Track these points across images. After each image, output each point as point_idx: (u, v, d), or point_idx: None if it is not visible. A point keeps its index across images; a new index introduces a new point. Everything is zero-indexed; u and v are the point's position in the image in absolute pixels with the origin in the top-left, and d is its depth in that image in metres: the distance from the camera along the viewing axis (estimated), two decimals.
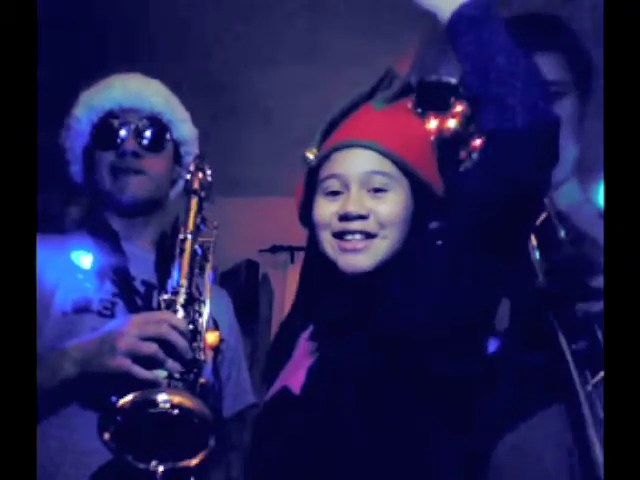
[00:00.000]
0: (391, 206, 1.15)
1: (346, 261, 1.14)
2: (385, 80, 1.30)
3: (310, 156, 1.21)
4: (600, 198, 1.39)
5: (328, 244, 1.16)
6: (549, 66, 1.40)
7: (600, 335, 1.13)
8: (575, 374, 1.11)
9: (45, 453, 1.29)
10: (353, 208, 1.13)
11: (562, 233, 1.23)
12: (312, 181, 1.22)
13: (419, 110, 1.27)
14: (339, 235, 1.14)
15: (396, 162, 1.18)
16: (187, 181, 1.42)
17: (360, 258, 1.13)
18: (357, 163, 1.17)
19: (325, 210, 1.17)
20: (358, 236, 1.13)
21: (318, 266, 1.20)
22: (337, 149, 1.19)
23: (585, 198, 1.44)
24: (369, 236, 1.13)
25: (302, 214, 1.25)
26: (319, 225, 1.17)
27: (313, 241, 1.21)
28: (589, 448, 1.05)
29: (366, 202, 1.14)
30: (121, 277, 1.47)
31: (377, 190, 1.15)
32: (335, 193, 1.17)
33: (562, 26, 1.45)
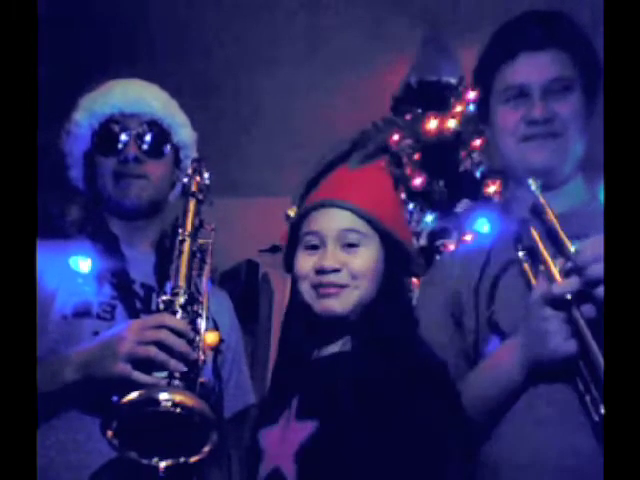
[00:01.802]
0: (362, 260, 1.28)
1: (321, 305, 1.28)
2: (360, 143, 1.41)
3: (291, 214, 1.36)
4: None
5: (307, 294, 1.30)
6: (553, 62, 1.39)
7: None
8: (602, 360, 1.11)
9: (46, 455, 1.29)
10: (328, 263, 1.27)
11: (569, 243, 1.23)
12: (294, 235, 1.35)
13: (392, 168, 1.45)
14: (315, 287, 1.28)
15: (368, 220, 1.30)
16: (185, 184, 1.43)
17: (333, 302, 1.27)
18: (333, 221, 1.30)
19: (304, 264, 1.30)
20: (332, 289, 1.27)
21: (299, 312, 1.34)
22: (315, 208, 1.32)
23: (591, 196, 1.43)
24: (341, 287, 1.27)
25: (286, 263, 1.39)
26: (299, 276, 1.31)
27: (294, 289, 1.35)
28: None
29: (340, 257, 1.27)
30: (121, 280, 1.47)
31: (350, 245, 1.28)
32: (314, 247, 1.30)
33: (567, 22, 1.44)
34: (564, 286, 1.16)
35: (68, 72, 2.82)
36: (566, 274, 1.19)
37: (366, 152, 1.38)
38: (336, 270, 1.27)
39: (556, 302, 1.17)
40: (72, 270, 1.46)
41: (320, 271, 1.27)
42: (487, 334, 1.34)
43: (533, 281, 1.27)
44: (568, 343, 1.16)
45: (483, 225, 1.56)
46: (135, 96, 1.55)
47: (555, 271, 1.20)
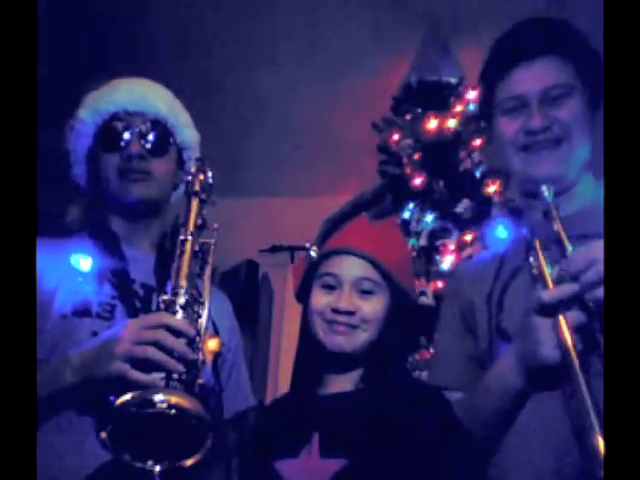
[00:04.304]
0: (374, 307, 1.41)
1: (332, 341, 1.40)
2: (379, 197, 1.59)
3: (313, 254, 1.49)
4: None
5: (319, 327, 1.42)
6: (551, 69, 1.40)
7: (600, 335, 1.14)
8: (580, 372, 1.11)
9: (44, 456, 1.28)
10: (343, 305, 1.40)
11: (569, 246, 1.24)
12: (311, 272, 1.48)
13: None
14: (329, 322, 1.41)
15: (382, 271, 1.43)
16: (188, 183, 1.42)
17: (343, 340, 1.40)
18: (352, 268, 1.43)
19: (321, 300, 1.43)
20: (342, 328, 1.40)
21: (310, 344, 1.45)
22: (337, 252, 1.45)
23: (601, 195, 1.43)
24: (353, 327, 1.41)
25: (299, 294, 1.52)
26: (314, 311, 1.43)
27: (306, 321, 1.47)
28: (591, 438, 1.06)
29: (355, 300, 1.41)
30: (121, 280, 1.46)
31: (365, 292, 1.42)
32: (330, 287, 1.43)
33: (565, 27, 1.44)
34: (552, 294, 1.17)
35: (68, 72, 2.83)
36: (556, 282, 1.19)
37: (383, 208, 1.52)
38: (350, 312, 1.40)
39: (546, 310, 1.17)
40: (72, 269, 1.45)
41: (336, 310, 1.40)
42: (497, 340, 1.36)
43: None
44: (556, 351, 1.16)
45: (501, 232, 1.58)
46: (140, 95, 1.55)
47: (548, 278, 1.21)
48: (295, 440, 1.33)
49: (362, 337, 1.40)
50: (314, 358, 1.44)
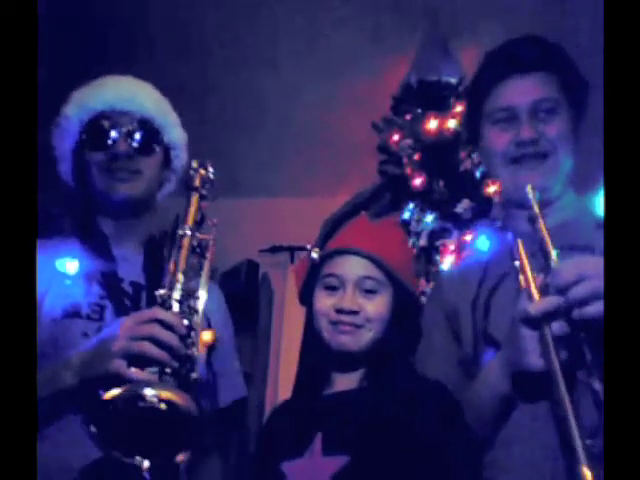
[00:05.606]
0: (377, 306, 1.43)
1: (337, 340, 1.41)
2: (378, 195, 1.61)
3: (314, 255, 1.49)
4: (598, 209, 1.44)
5: (324, 328, 1.43)
6: (540, 85, 1.44)
7: (586, 346, 1.14)
8: (562, 382, 1.12)
9: (42, 455, 1.28)
10: (347, 305, 1.41)
11: (554, 254, 1.24)
12: (314, 274, 1.49)
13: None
14: (334, 323, 1.42)
15: (385, 270, 1.44)
16: (188, 178, 1.42)
17: (348, 339, 1.41)
18: (354, 267, 1.44)
19: (324, 302, 1.44)
20: (347, 328, 1.41)
21: (315, 344, 1.46)
22: (338, 253, 1.46)
23: (583, 209, 1.48)
24: (358, 327, 1.41)
25: (302, 296, 1.53)
26: (319, 313, 1.45)
27: (310, 322, 1.48)
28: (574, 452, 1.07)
29: (358, 300, 1.42)
30: (109, 280, 1.46)
31: (368, 291, 1.43)
32: (333, 288, 1.44)
33: (556, 48, 1.50)
34: (539, 307, 1.17)
35: (68, 72, 2.82)
36: (542, 292, 1.19)
37: (382, 206, 1.53)
38: (354, 312, 1.41)
39: (531, 321, 1.18)
40: (60, 271, 1.45)
41: (340, 310, 1.41)
42: (484, 346, 1.37)
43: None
44: (541, 360, 1.17)
45: (483, 242, 1.59)
46: (128, 94, 1.55)
47: (534, 289, 1.21)
48: (300, 440, 1.34)
49: (367, 336, 1.41)
50: (319, 358, 1.45)
